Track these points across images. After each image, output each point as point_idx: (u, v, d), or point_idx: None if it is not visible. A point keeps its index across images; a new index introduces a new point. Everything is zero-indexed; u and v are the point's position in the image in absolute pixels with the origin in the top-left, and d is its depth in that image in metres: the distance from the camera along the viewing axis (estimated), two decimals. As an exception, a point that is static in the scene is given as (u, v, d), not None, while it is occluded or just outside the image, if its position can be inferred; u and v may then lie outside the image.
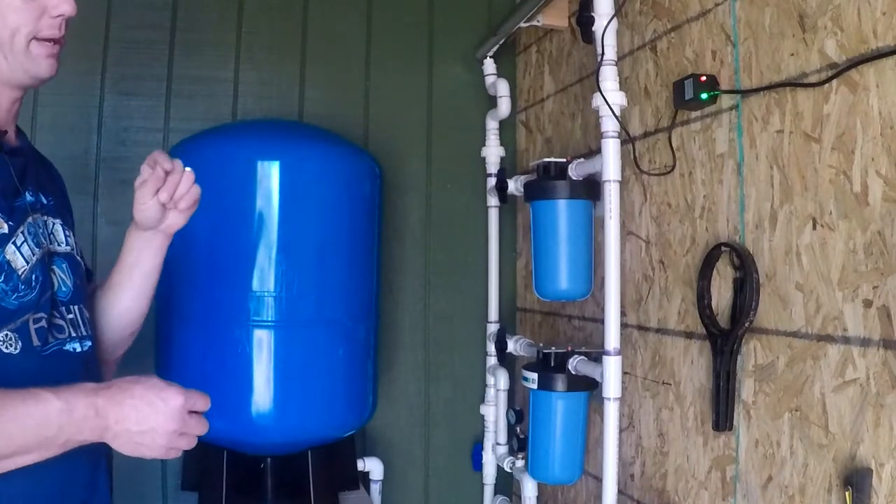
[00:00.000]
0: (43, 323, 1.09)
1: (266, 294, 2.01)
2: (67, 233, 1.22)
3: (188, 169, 1.20)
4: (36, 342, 1.07)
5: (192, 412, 1.04)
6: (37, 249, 1.11)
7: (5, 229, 1.06)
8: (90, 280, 1.33)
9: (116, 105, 2.45)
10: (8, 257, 1.05)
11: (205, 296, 2.03)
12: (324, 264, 2.10)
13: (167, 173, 1.18)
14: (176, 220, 1.24)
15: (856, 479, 1.22)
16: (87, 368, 1.18)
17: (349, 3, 2.67)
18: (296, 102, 2.60)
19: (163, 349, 2.14)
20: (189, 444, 1.05)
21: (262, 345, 2.01)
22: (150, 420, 1.00)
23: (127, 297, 1.31)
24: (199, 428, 1.05)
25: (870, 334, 1.24)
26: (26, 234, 1.10)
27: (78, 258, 1.23)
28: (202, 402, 1.05)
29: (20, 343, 1.05)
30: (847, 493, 1.22)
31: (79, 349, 1.16)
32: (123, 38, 2.45)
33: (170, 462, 2.42)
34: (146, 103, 2.47)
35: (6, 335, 1.03)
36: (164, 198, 1.19)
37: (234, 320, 2.01)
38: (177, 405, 1.02)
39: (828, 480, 1.32)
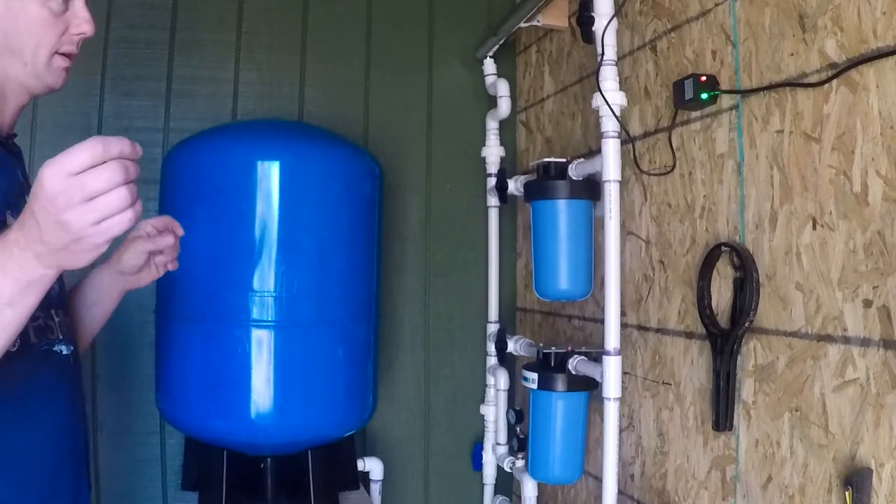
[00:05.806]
0: (40, 322, 1.11)
1: (266, 294, 2.01)
2: None
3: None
4: (33, 339, 1.10)
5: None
6: None
7: None
8: None
9: (116, 105, 2.44)
10: None
11: (205, 296, 2.03)
12: (324, 264, 2.09)
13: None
14: (146, 277, 1.33)
15: (856, 479, 1.22)
16: (75, 371, 1.20)
17: (349, 3, 2.67)
18: (296, 102, 2.60)
19: (163, 349, 2.14)
20: (107, 207, 0.76)
21: (262, 345, 2.01)
22: (46, 217, 0.78)
23: (76, 328, 1.33)
24: (101, 182, 0.75)
25: (870, 334, 1.24)
26: None
27: None
28: (114, 148, 0.76)
29: (19, 340, 1.05)
30: (847, 493, 1.22)
31: (65, 351, 1.18)
32: (123, 38, 2.45)
33: (170, 462, 2.42)
34: (146, 103, 2.47)
35: None
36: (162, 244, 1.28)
37: (234, 320, 2.01)
38: (50, 175, 0.75)
39: (828, 480, 1.31)
